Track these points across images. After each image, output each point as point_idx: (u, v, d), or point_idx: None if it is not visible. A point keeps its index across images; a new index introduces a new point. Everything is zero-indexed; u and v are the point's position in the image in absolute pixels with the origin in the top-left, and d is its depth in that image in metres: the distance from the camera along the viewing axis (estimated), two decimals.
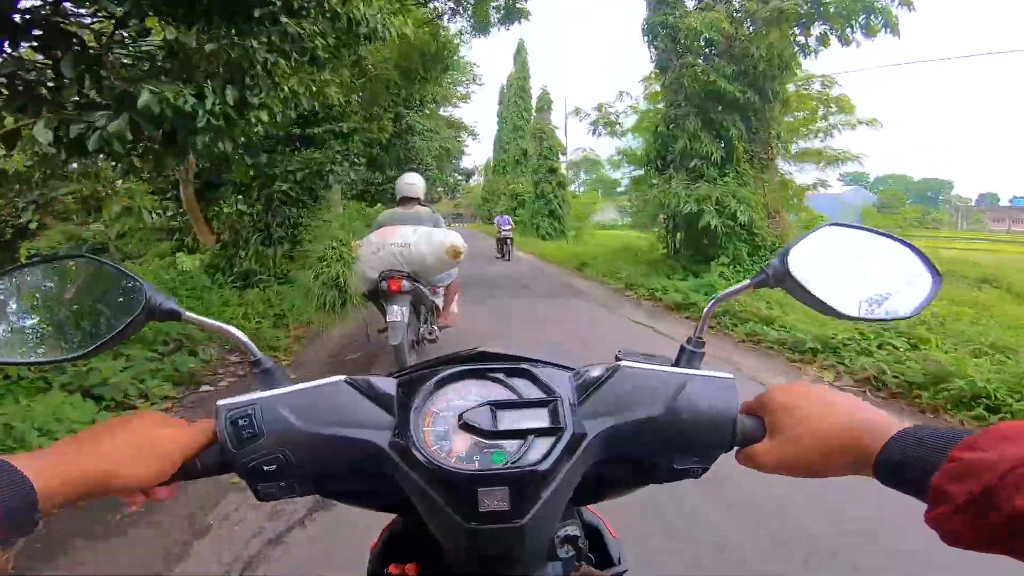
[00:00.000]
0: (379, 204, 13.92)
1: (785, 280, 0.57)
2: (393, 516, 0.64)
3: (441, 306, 4.22)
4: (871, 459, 0.44)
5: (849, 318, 0.58)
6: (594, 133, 11.00)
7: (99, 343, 0.53)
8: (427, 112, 17.04)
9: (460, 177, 38.20)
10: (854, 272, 0.60)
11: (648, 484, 0.59)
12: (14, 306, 0.55)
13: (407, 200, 4.07)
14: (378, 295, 3.71)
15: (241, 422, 0.50)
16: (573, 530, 0.58)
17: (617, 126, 10.92)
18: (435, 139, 18.17)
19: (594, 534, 0.64)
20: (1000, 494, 0.35)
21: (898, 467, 0.42)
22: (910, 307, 0.59)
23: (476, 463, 0.48)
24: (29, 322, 0.55)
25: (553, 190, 23.72)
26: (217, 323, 0.55)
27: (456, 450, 0.49)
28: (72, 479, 0.43)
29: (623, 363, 0.55)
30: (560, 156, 26.38)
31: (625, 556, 0.64)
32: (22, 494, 0.39)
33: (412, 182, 4.10)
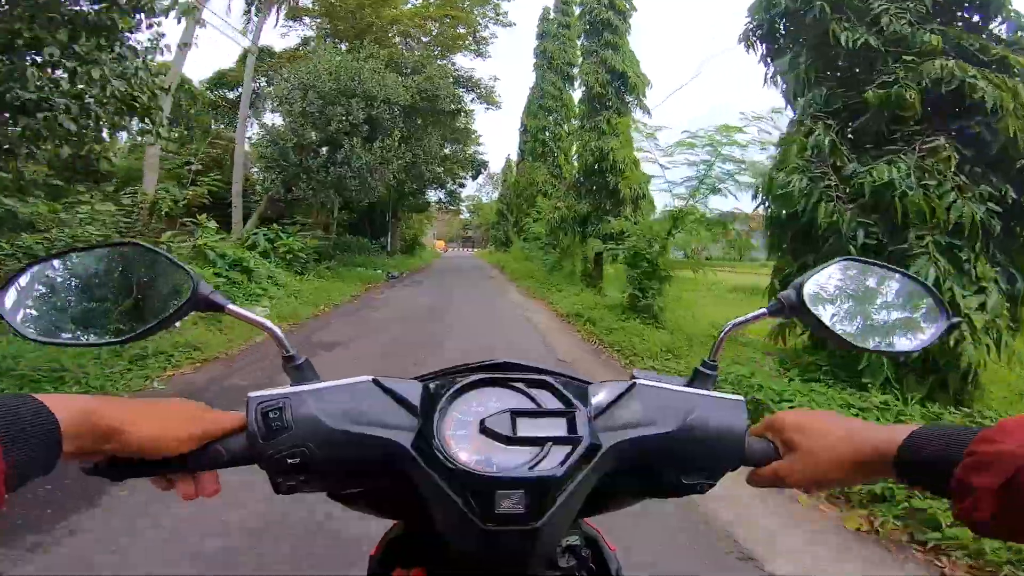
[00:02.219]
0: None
1: (799, 311, 0.59)
2: (393, 523, 0.66)
3: None
4: (889, 462, 0.47)
5: (859, 349, 0.61)
6: None
7: (144, 328, 0.56)
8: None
9: (464, 176, 28.32)
10: (866, 306, 0.62)
11: (652, 497, 0.60)
12: (65, 289, 0.58)
13: None
14: None
15: (271, 415, 0.52)
16: (575, 540, 0.60)
17: None
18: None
19: (592, 546, 0.66)
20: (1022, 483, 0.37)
21: (918, 466, 0.45)
22: (918, 342, 0.61)
23: (495, 467, 0.50)
24: (79, 305, 0.58)
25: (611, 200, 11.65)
26: (257, 318, 0.58)
27: (476, 454, 0.51)
28: (94, 428, 0.44)
29: (639, 380, 0.58)
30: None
31: (623, 569, 0.65)
32: (46, 430, 0.40)
33: None
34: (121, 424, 0.46)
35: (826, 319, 0.59)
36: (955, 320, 0.60)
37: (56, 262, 0.58)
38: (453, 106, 19.54)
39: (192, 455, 0.52)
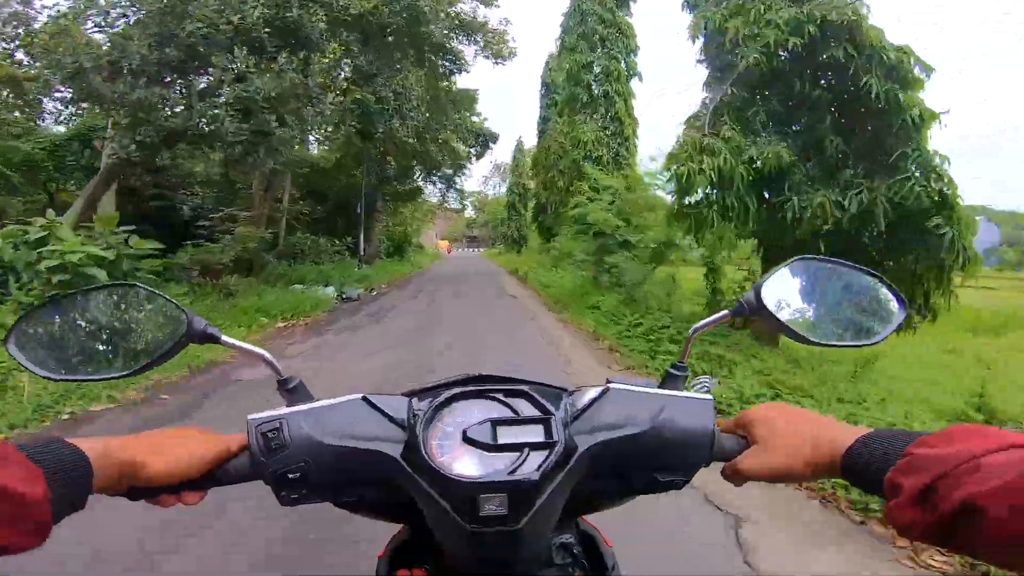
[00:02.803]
0: None
1: (759, 311, 0.62)
2: (400, 526, 0.69)
3: None
4: (838, 460, 0.50)
5: (818, 344, 0.64)
6: None
7: (144, 364, 0.60)
8: None
9: (469, 150, 22.20)
10: (824, 302, 0.66)
11: (636, 495, 0.64)
12: (69, 329, 0.62)
13: None
14: None
15: (270, 434, 0.56)
16: (569, 538, 0.64)
17: None
18: None
19: (589, 543, 0.69)
20: (947, 486, 0.38)
21: (861, 467, 0.47)
22: (877, 334, 0.65)
23: (477, 473, 0.54)
24: (83, 343, 0.62)
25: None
26: (250, 347, 0.62)
27: (460, 461, 0.55)
28: (119, 465, 0.49)
29: (612, 385, 0.61)
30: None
31: (619, 565, 0.69)
32: (80, 468, 0.45)
33: None
34: (140, 460, 0.51)
35: (785, 317, 0.62)
36: (910, 311, 0.64)
37: (56, 305, 0.62)
38: (443, 30, 12.67)
39: (201, 478, 0.57)
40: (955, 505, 0.38)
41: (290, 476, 0.56)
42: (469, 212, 60.51)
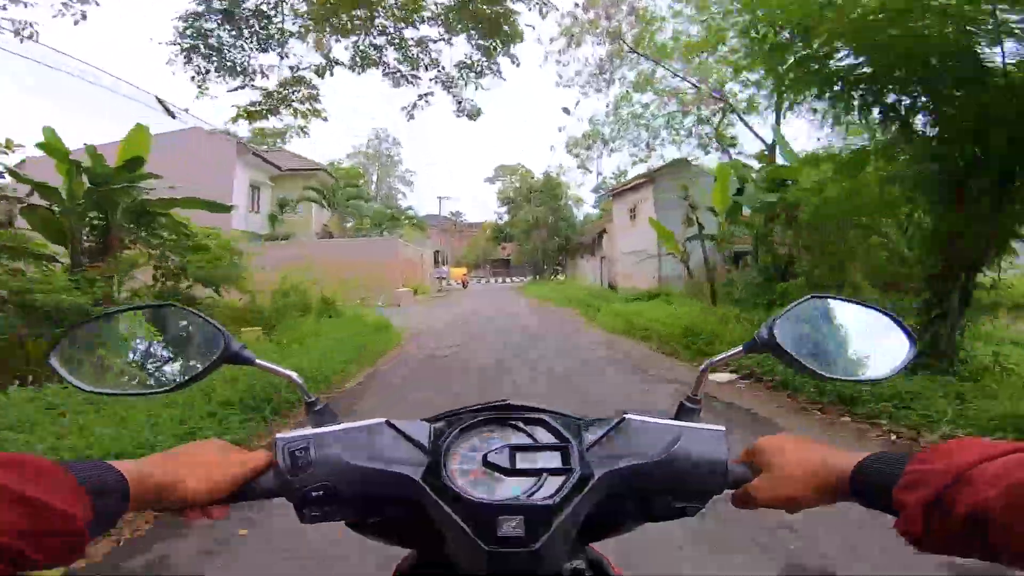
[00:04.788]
0: None
1: (772, 348, 0.64)
2: (408, 551, 0.71)
3: None
4: (847, 484, 0.52)
5: (830, 379, 0.66)
6: None
7: (184, 380, 0.63)
8: None
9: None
10: (836, 338, 0.68)
11: (648, 522, 0.66)
12: (113, 345, 0.65)
13: None
14: None
15: (298, 454, 0.59)
16: (579, 564, 0.65)
17: None
18: None
19: (599, 570, 0.70)
20: (951, 498, 0.41)
21: (867, 487, 0.50)
22: (887, 369, 0.66)
23: (496, 496, 0.56)
24: (125, 360, 0.65)
25: None
26: (283, 370, 0.65)
27: (479, 484, 0.57)
28: (151, 485, 0.51)
29: (628, 416, 0.63)
30: None
31: None
32: (119, 491, 0.48)
33: None
34: (176, 481, 0.53)
35: (797, 354, 0.64)
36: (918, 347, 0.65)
37: (97, 323, 0.66)
38: None
39: (229, 495, 0.59)
40: (963, 515, 0.40)
41: (314, 494, 0.58)
42: (492, 212, 39.03)
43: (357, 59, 9.33)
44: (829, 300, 0.69)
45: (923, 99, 4.73)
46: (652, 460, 0.60)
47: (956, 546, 0.42)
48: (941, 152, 4.71)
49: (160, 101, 9.97)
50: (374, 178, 49.05)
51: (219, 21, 8.71)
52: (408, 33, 9.28)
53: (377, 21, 8.95)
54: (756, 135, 16.68)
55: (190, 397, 4.20)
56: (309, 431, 0.62)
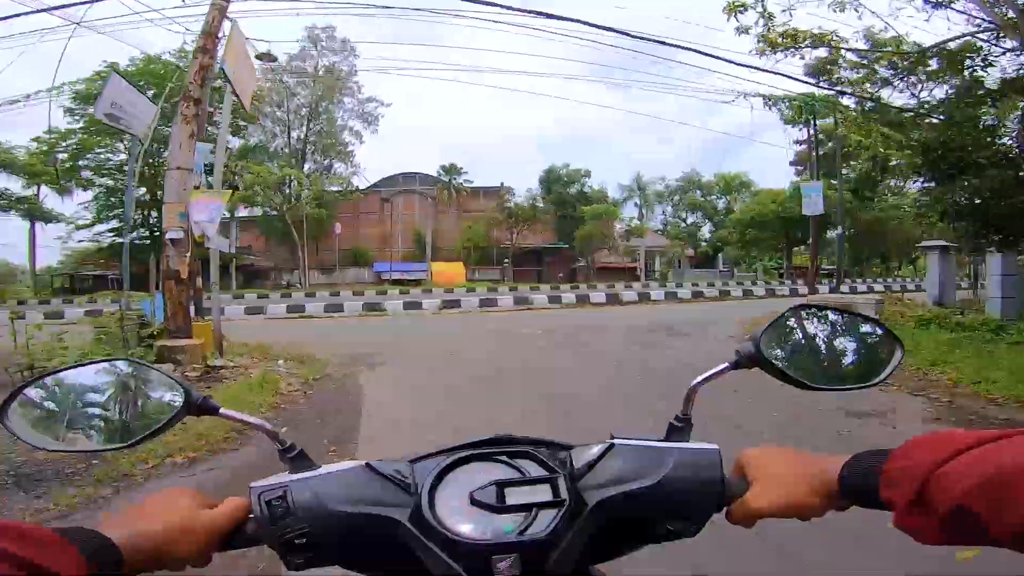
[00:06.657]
0: None
1: (758, 362, 0.63)
2: None
3: None
4: (836, 489, 0.52)
5: (819, 389, 0.64)
6: None
7: (143, 435, 0.60)
8: None
9: None
10: (823, 347, 0.66)
11: (648, 544, 0.64)
12: (64, 403, 0.61)
13: None
14: None
15: (275, 502, 0.56)
16: None
17: None
18: None
19: None
20: (931, 494, 0.42)
21: (856, 491, 0.50)
22: (877, 375, 0.65)
23: (488, 534, 0.54)
24: (76, 417, 0.61)
25: None
26: (250, 418, 0.62)
27: (469, 523, 0.55)
28: (139, 551, 0.50)
29: (616, 440, 0.61)
30: None
31: None
32: (113, 556, 0.47)
33: None
34: (160, 545, 0.52)
35: (784, 366, 0.63)
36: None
37: (50, 379, 0.61)
38: None
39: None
40: (948, 509, 0.41)
41: (296, 542, 0.56)
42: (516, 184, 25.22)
43: None
44: (815, 310, 0.67)
45: None
46: (645, 484, 0.58)
47: (951, 536, 0.43)
48: None
49: None
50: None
51: None
52: None
53: None
54: None
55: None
56: (285, 477, 0.59)
